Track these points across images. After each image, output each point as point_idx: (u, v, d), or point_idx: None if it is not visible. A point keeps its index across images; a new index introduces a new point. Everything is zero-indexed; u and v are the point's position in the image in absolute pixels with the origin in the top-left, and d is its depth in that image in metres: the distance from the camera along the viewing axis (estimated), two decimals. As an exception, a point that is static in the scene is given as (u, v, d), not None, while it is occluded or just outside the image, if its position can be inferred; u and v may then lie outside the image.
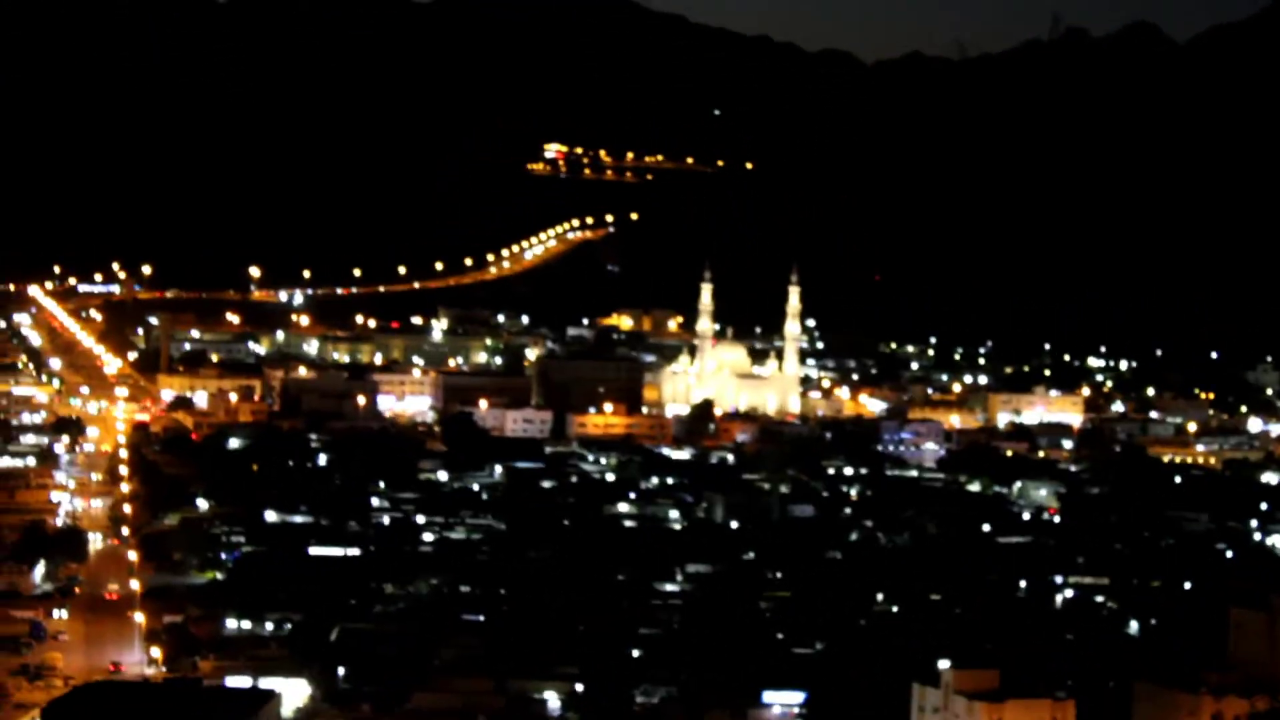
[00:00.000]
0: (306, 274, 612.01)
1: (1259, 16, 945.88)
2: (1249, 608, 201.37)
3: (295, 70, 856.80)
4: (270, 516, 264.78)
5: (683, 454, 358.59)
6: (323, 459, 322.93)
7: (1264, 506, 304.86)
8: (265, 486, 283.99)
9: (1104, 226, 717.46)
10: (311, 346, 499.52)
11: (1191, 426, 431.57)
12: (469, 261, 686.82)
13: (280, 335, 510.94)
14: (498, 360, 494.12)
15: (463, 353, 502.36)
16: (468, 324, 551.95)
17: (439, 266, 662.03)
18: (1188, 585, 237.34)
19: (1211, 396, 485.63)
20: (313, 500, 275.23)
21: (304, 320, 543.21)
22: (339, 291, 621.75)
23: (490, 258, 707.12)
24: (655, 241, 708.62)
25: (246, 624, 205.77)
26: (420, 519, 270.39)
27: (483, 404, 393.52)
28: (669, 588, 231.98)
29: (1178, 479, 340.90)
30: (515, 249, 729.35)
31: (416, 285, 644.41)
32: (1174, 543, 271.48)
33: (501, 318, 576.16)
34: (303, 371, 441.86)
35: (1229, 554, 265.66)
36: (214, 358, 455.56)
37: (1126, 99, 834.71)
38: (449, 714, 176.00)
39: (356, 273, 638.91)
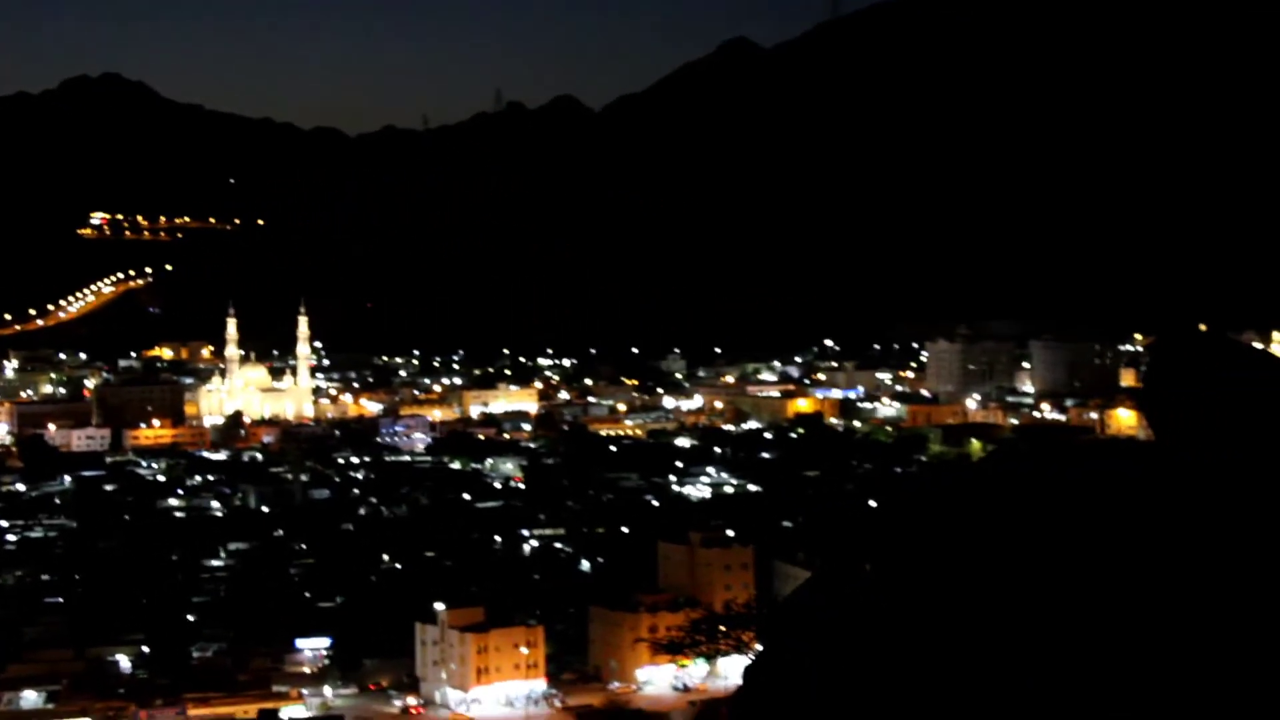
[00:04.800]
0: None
1: (655, 88, 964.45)
2: (673, 543, 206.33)
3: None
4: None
5: (220, 455, 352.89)
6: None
7: (679, 464, 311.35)
8: None
9: (542, 260, 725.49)
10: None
11: (621, 406, 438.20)
12: (33, 311, 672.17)
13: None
14: (62, 390, 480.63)
15: (32, 386, 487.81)
16: (35, 362, 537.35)
17: (8, 317, 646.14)
18: (625, 529, 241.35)
19: (635, 383, 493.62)
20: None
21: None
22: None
23: (51, 307, 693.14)
24: (187, 287, 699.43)
25: None
26: (4, 523, 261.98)
27: (51, 426, 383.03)
28: (214, 563, 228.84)
29: (613, 448, 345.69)
30: (72, 299, 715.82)
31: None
32: (613, 497, 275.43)
33: (63, 355, 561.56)
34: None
35: (655, 502, 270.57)
36: None
37: (555, 157, 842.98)
38: (38, 679, 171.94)
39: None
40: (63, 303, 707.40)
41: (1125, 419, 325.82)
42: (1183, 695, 9.85)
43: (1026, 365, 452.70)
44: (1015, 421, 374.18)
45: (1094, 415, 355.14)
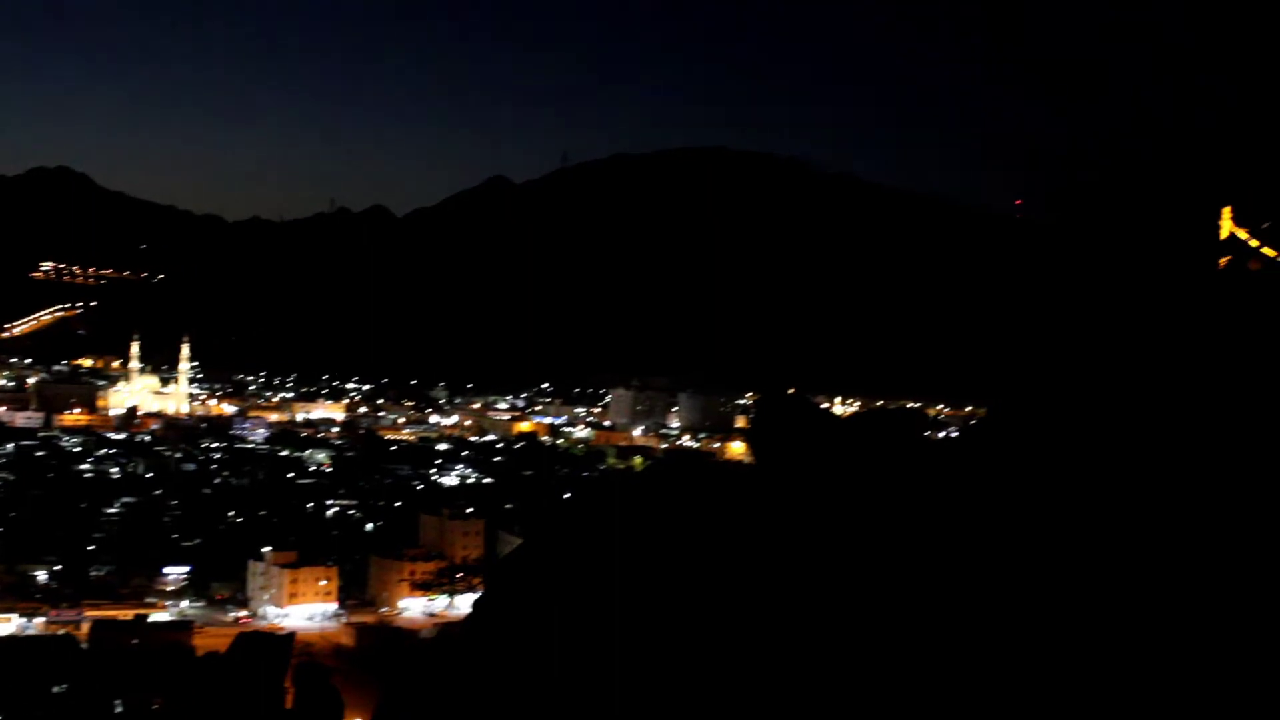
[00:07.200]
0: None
1: (441, 204, 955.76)
2: (430, 514, 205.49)
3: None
4: None
5: (120, 435, 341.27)
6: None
7: (438, 461, 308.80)
8: None
9: (353, 318, 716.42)
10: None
11: (401, 420, 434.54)
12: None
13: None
14: (12, 384, 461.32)
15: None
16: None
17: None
18: (398, 504, 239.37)
19: (412, 404, 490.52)
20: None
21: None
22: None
23: (8, 326, 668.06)
24: (108, 318, 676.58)
25: None
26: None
27: (2, 408, 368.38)
28: (111, 511, 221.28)
29: (393, 448, 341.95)
30: (24, 321, 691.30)
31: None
32: (391, 481, 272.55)
33: (14, 359, 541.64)
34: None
35: (420, 486, 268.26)
36: None
37: (368, 249, 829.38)
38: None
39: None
40: (17, 324, 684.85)
41: (736, 448, 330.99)
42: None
43: (675, 409, 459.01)
44: (665, 446, 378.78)
45: (717, 445, 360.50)
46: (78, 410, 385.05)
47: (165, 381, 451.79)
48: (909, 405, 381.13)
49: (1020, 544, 10.71)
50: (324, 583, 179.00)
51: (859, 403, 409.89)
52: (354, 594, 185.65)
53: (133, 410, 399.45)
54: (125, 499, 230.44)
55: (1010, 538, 10.81)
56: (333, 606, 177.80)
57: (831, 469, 13.30)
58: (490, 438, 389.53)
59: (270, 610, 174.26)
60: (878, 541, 10.67)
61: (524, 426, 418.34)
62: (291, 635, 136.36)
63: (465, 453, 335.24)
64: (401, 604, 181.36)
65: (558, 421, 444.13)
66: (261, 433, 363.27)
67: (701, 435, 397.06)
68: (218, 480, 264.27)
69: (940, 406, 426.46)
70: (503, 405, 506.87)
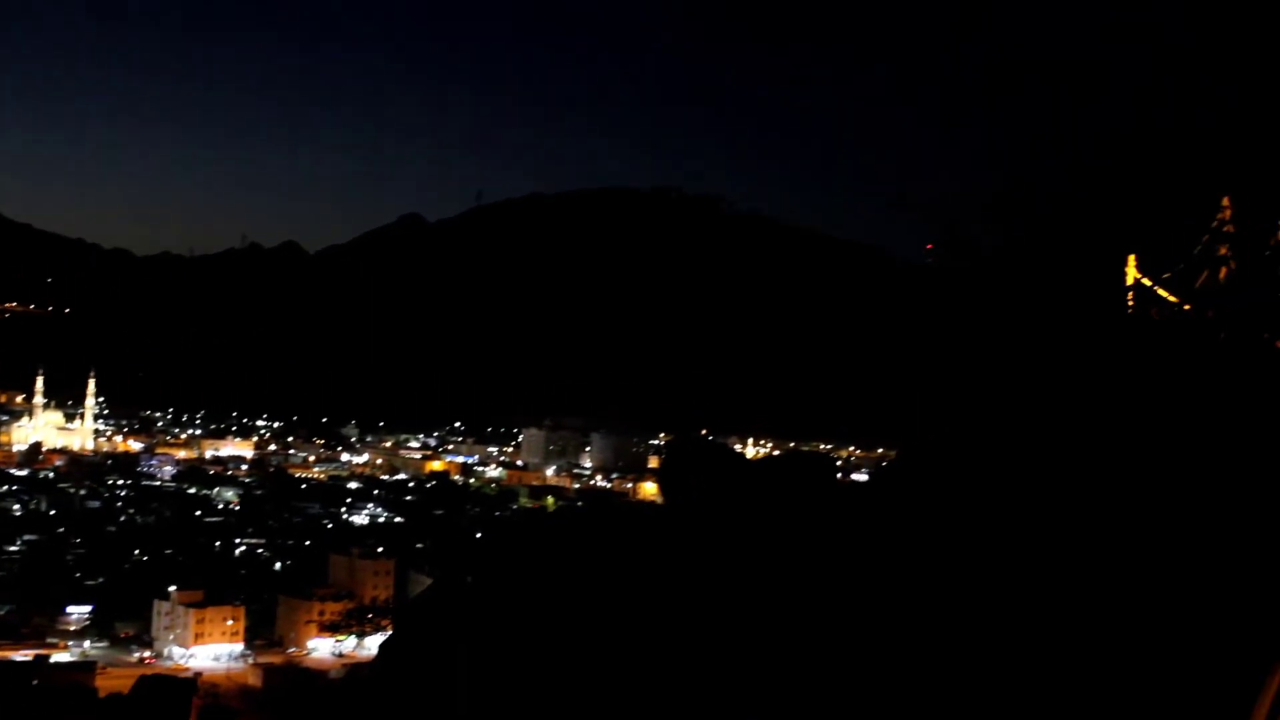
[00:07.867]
0: None
1: (353, 241, 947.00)
2: (340, 554, 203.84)
3: None
4: None
5: (23, 472, 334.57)
6: None
7: (348, 500, 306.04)
8: None
9: (263, 357, 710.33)
10: None
11: (311, 457, 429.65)
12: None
13: None
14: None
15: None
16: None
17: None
18: (308, 542, 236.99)
19: (322, 442, 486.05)
20: None
21: None
22: None
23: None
24: (12, 351, 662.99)
25: None
26: None
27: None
28: (11, 548, 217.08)
29: (303, 485, 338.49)
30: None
31: None
32: (300, 519, 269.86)
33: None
34: None
35: (329, 525, 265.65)
36: None
37: (281, 285, 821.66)
38: None
39: None
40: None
41: (649, 489, 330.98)
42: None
43: (588, 449, 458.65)
44: (578, 486, 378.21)
45: (629, 485, 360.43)
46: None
47: (70, 417, 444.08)
48: (821, 448, 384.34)
49: (927, 578, 10.91)
50: (231, 622, 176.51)
51: (772, 445, 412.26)
52: (262, 634, 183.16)
53: (36, 446, 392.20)
54: (27, 537, 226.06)
55: (916, 573, 11.01)
56: (239, 647, 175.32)
57: (738, 511, 13.48)
58: (402, 476, 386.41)
59: (175, 650, 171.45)
60: (781, 581, 10.85)
61: (436, 465, 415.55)
62: (197, 676, 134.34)
63: (376, 491, 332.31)
64: (310, 644, 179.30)
65: (470, 460, 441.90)
66: (169, 470, 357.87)
67: (614, 475, 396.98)
68: (123, 518, 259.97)
69: (852, 448, 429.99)
70: (414, 444, 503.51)
